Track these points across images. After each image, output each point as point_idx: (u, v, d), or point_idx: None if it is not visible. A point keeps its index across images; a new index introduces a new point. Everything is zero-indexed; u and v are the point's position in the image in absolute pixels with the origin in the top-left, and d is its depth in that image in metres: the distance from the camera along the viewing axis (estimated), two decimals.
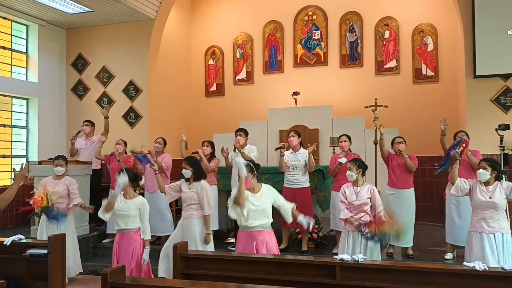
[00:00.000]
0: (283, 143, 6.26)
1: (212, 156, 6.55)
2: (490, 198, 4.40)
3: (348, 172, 4.83)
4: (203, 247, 4.85)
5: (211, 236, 5.01)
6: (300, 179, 6.11)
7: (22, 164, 4.45)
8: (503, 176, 6.40)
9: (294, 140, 6.21)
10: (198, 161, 5.22)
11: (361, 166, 4.83)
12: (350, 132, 6.43)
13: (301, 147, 6.26)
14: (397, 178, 5.91)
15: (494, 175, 4.46)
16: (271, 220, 4.36)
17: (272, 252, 4.28)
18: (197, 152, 6.34)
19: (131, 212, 4.62)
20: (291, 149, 6.24)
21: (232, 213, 4.30)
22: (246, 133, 6.51)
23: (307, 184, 6.18)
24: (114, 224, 4.76)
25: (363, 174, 4.84)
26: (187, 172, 4.89)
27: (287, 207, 4.47)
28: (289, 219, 4.49)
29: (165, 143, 6.97)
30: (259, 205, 4.28)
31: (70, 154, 7.59)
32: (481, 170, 4.48)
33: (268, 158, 8.50)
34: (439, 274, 3.35)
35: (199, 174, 4.95)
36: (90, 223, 7.10)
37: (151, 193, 6.65)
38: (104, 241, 7.03)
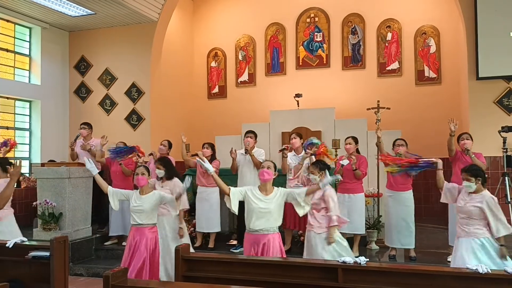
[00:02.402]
0: (286, 145, 6.26)
1: (212, 158, 6.57)
2: (466, 204, 4.18)
3: (311, 176, 4.76)
4: (176, 242, 5.03)
5: (185, 229, 5.51)
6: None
7: (16, 161, 4.46)
8: (506, 178, 6.42)
9: (296, 142, 6.21)
10: (170, 161, 5.63)
11: (323, 168, 4.77)
12: (353, 134, 6.41)
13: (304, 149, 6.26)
14: (395, 180, 5.89)
15: (480, 182, 4.17)
16: (278, 223, 4.26)
17: (275, 256, 4.20)
18: (197, 154, 6.37)
19: (145, 208, 4.62)
20: (293, 151, 6.24)
21: (228, 204, 4.37)
22: (255, 135, 6.50)
23: None
24: (130, 220, 4.77)
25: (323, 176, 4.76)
26: (160, 172, 5.34)
27: (302, 192, 4.31)
28: (303, 209, 4.33)
29: (170, 145, 6.98)
30: (267, 208, 4.20)
31: (71, 159, 7.59)
32: (465, 183, 4.19)
33: (272, 159, 8.48)
34: (441, 276, 3.33)
35: (171, 173, 5.41)
36: (92, 225, 7.11)
37: None
38: (106, 243, 7.03)
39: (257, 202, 4.22)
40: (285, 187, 6.20)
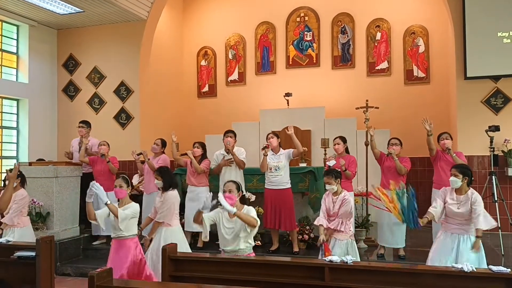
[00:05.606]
0: (267, 144, 6.27)
1: (203, 157, 6.56)
2: (458, 208, 4.31)
3: (327, 186, 4.79)
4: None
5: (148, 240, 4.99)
6: (282, 180, 6.12)
7: (14, 164, 4.50)
8: (493, 177, 6.47)
9: (274, 141, 6.24)
10: (168, 171, 5.16)
11: (338, 176, 4.81)
12: (342, 133, 6.43)
13: (281, 148, 6.31)
14: (387, 180, 5.90)
15: (465, 181, 4.34)
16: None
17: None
18: (186, 154, 6.40)
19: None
20: (271, 150, 6.25)
21: None
22: (235, 134, 6.52)
23: (289, 185, 6.20)
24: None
25: (340, 183, 4.85)
26: (158, 182, 4.97)
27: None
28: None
29: (163, 144, 6.94)
30: (233, 227, 4.26)
31: (68, 158, 7.52)
32: (452, 178, 4.36)
33: (260, 159, 8.48)
34: (427, 275, 3.36)
35: (168, 184, 4.97)
36: (80, 224, 7.06)
37: (149, 195, 6.66)
38: (94, 243, 6.99)
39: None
40: (264, 183, 6.30)
